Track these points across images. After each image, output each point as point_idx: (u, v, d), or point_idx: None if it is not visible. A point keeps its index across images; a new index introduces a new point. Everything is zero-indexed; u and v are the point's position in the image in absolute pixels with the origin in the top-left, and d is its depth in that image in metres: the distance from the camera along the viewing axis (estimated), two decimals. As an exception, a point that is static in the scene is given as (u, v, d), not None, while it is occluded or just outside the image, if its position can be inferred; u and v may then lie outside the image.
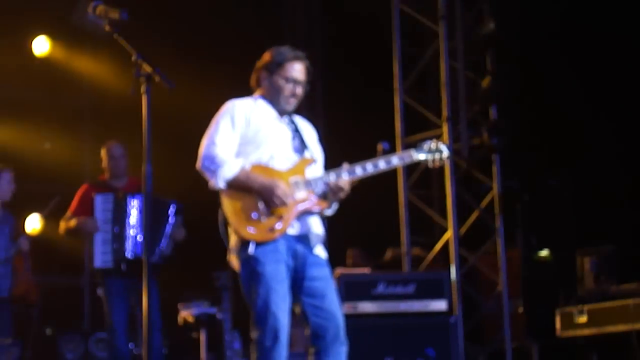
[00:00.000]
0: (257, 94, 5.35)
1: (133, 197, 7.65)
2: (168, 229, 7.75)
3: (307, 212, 5.14)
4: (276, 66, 5.26)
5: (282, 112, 5.30)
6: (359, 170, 5.15)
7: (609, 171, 9.17)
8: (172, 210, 7.78)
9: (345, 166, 5.16)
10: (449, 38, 9.67)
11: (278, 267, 5.00)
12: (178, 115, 9.57)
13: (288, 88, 5.24)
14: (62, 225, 7.86)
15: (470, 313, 9.44)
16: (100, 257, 7.59)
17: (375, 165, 5.18)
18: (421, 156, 5.30)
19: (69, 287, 11.76)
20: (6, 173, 8.61)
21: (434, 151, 5.30)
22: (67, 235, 7.93)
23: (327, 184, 5.13)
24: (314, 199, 5.15)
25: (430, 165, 5.34)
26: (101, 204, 7.66)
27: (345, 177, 5.13)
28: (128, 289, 7.54)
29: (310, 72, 5.32)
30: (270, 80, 5.27)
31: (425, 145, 5.31)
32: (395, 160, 5.27)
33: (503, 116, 9.48)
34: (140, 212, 7.58)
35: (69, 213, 7.83)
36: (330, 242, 5.31)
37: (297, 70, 5.26)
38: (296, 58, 5.28)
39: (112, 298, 7.56)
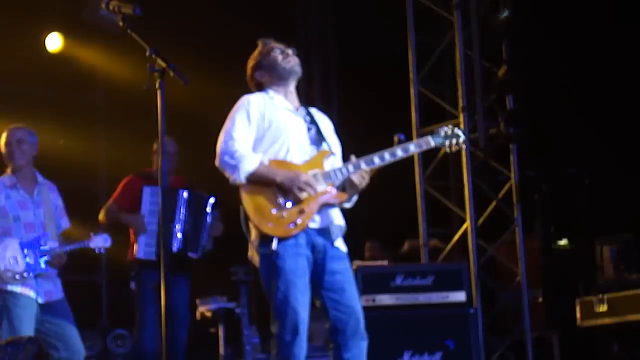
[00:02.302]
0: (267, 88, 5.33)
1: (183, 192, 7.68)
2: (207, 224, 7.76)
3: (328, 205, 5.10)
4: (264, 57, 5.33)
5: (291, 96, 5.30)
6: (377, 160, 5.12)
7: (628, 159, 9.11)
8: (210, 205, 7.80)
9: (354, 159, 5.12)
10: (463, 27, 9.61)
11: (298, 261, 4.97)
12: (194, 110, 9.55)
13: (279, 54, 5.28)
14: (103, 215, 7.84)
15: (490, 304, 9.39)
16: (144, 249, 7.59)
17: (393, 154, 5.15)
18: (438, 141, 5.28)
19: (86, 283, 11.76)
20: None
21: (451, 136, 5.30)
22: (108, 226, 7.90)
23: (346, 176, 5.10)
24: (333, 191, 5.11)
25: (447, 150, 5.33)
26: (149, 195, 7.67)
27: (363, 167, 5.09)
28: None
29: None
30: (266, 69, 5.31)
31: (442, 131, 5.30)
32: (413, 147, 5.26)
33: (520, 105, 9.43)
34: (186, 207, 7.62)
35: (110, 202, 7.81)
36: (347, 235, 5.27)
37: (275, 42, 5.34)
38: (269, 41, 5.37)
39: (147, 291, 7.55)
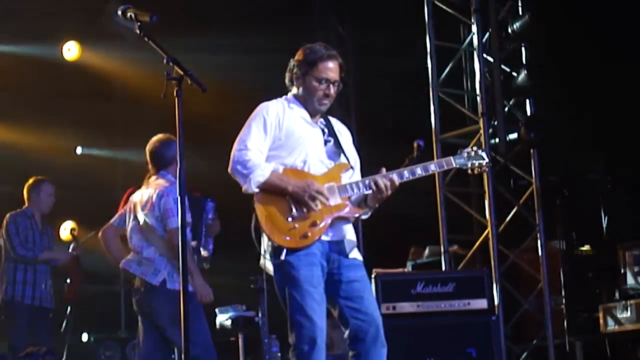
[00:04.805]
0: (290, 94, 5.24)
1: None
2: (205, 225, 7.70)
3: (342, 219, 5.05)
4: (309, 66, 5.12)
5: (315, 114, 5.20)
6: (396, 177, 5.04)
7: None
8: (207, 207, 7.73)
9: (384, 171, 5.06)
10: (482, 32, 9.56)
11: (312, 270, 4.92)
12: (211, 116, 9.53)
13: (321, 89, 5.11)
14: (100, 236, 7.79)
15: (512, 311, 9.32)
16: None
17: (413, 172, 5.08)
18: (460, 162, 5.20)
19: (105, 293, 11.76)
20: (47, 185, 8.65)
21: (474, 158, 5.21)
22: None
23: (363, 191, 5.03)
24: (349, 205, 5.05)
25: (469, 172, 5.24)
26: None
27: (381, 182, 5.01)
28: None
29: (343, 69, 5.20)
30: (303, 80, 5.14)
31: (465, 152, 5.22)
32: (433, 167, 5.16)
33: (540, 110, 9.37)
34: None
35: (116, 217, 7.76)
36: (367, 242, 5.21)
37: (331, 69, 5.12)
38: (329, 57, 5.12)
39: None
